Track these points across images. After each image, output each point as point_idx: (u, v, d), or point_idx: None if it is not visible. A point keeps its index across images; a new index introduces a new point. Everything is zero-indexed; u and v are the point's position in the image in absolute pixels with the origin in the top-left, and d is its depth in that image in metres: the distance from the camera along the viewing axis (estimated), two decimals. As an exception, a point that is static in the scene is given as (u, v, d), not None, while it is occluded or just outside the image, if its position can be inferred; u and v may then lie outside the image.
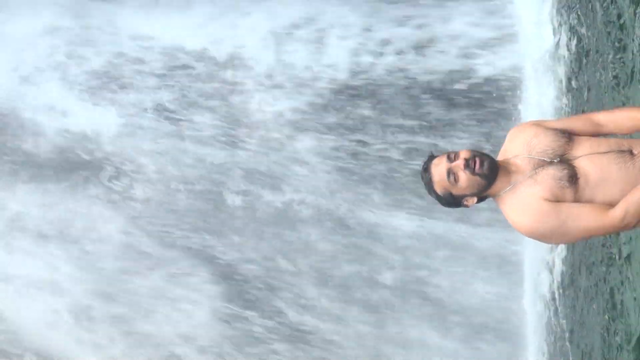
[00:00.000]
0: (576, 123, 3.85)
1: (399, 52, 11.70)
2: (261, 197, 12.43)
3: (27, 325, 12.80)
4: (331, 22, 11.91)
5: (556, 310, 10.95)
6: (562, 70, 10.56)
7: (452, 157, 3.73)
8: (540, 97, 11.03)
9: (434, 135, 11.72)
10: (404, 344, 12.47)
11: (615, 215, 3.59)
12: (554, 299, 11.10)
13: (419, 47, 11.76)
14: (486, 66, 11.37)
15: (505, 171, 3.73)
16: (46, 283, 12.68)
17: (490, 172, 3.69)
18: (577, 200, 3.65)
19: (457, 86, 11.54)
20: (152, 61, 12.43)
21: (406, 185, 11.84)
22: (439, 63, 11.58)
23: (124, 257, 12.65)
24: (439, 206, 3.95)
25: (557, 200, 3.64)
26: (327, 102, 12.03)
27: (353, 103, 12.05)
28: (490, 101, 11.48)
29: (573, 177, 3.67)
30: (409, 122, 11.89)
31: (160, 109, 12.51)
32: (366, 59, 11.84)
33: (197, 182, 12.59)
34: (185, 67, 12.50)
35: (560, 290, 10.83)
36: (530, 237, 3.75)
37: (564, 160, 3.70)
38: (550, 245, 10.99)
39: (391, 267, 12.28)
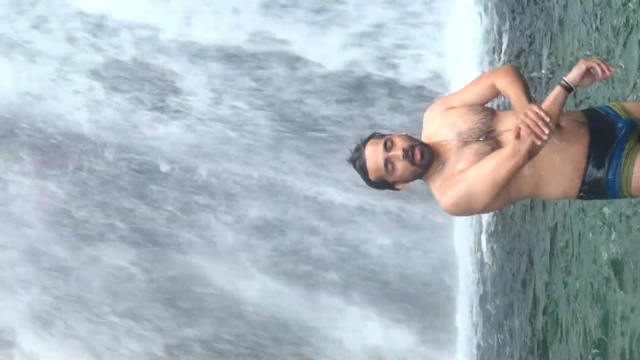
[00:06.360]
0: (476, 92, 3.72)
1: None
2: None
3: None
4: None
5: (486, 278, 11.07)
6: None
7: (388, 145, 3.65)
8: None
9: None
10: (334, 314, 12.57)
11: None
12: (484, 269, 11.24)
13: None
14: None
15: (436, 154, 3.69)
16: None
17: (428, 162, 3.65)
18: None
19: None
20: None
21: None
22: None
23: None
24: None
25: None
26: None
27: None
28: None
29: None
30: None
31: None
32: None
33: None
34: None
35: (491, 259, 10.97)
36: (454, 213, 3.68)
37: (490, 137, 3.64)
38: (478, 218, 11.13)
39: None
